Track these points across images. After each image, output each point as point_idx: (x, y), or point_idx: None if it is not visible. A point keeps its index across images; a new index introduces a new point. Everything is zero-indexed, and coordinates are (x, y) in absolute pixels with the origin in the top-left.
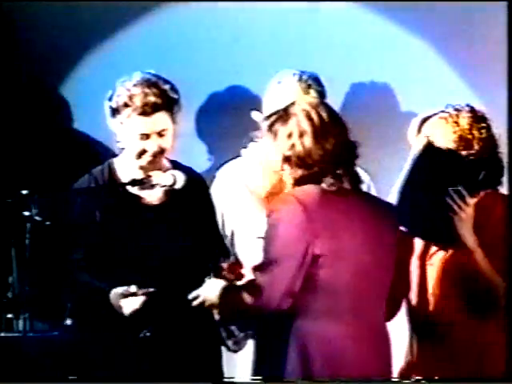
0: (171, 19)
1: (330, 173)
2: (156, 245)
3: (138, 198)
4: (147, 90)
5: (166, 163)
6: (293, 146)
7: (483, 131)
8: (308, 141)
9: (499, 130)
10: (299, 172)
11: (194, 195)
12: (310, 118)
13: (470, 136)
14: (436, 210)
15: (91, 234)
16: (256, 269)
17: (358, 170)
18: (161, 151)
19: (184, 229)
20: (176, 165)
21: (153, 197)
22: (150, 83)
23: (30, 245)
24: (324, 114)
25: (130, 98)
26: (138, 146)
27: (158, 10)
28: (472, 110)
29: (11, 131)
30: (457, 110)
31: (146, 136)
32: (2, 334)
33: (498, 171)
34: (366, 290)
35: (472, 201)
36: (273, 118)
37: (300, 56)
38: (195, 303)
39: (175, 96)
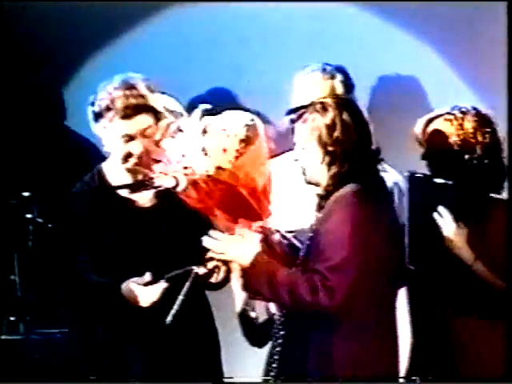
0: (174, 20)
1: (367, 170)
2: (154, 245)
3: (131, 201)
4: (128, 93)
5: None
6: (337, 139)
7: (487, 136)
8: (352, 134)
9: (499, 130)
10: (344, 167)
11: None
12: (348, 111)
13: (473, 140)
14: (431, 239)
15: (89, 238)
16: (330, 269)
17: (389, 168)
18: (146, 152)
19: (180, 228)
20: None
21: (144, 199)
22: (131, 85)
23: (33, 247)
24: (356, 109)
25: (112, 101)
26: (123, 149)
27: (161, 11)
28: (478, 114)
29: (13, 133)
30: (463, 112)
31: (131, 137)
32: (5, 337)
33: (499, 176)
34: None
35: (451, 217)
36: (305, 110)
37: (300, 57)
38: (209, 255)
39: (155, 97)
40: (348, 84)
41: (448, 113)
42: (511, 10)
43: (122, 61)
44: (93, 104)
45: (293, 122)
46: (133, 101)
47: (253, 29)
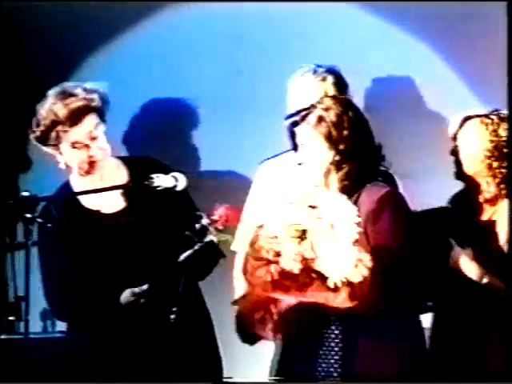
0: (174, 20)
1: (376, 167)
2: (137, 249)
3: (95, 211)
4: (68, 101)
5: (113, 162)
6: (347, 137)
7: None
8: (358, 131)
9: None
10: (356, 164)
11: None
12: (351, 109)
13: (505, 150)
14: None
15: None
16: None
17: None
18: (100, 154)
19: (154, 227)
20: (124, 160)
21: (109, 207)
22: (68, 94)
23: (32, 247)
24: (357, 107)
25: (55, 114)
26: (77, 156)
27: (161, 11)
28: None
29: (13, 133)
30: (500, 118)
31: (81, 144)
32: (4, 337)
33: None
34: None
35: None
36: (308, 112)
37: (299, 58)
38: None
39: (94, 97)
40: (341, 84)
41: (486, 115)
42: (511, 9)
43: (121, 61)
44: (38, 125)
45: (294, 125)
46: (75, 105)
47: (252, 29)
